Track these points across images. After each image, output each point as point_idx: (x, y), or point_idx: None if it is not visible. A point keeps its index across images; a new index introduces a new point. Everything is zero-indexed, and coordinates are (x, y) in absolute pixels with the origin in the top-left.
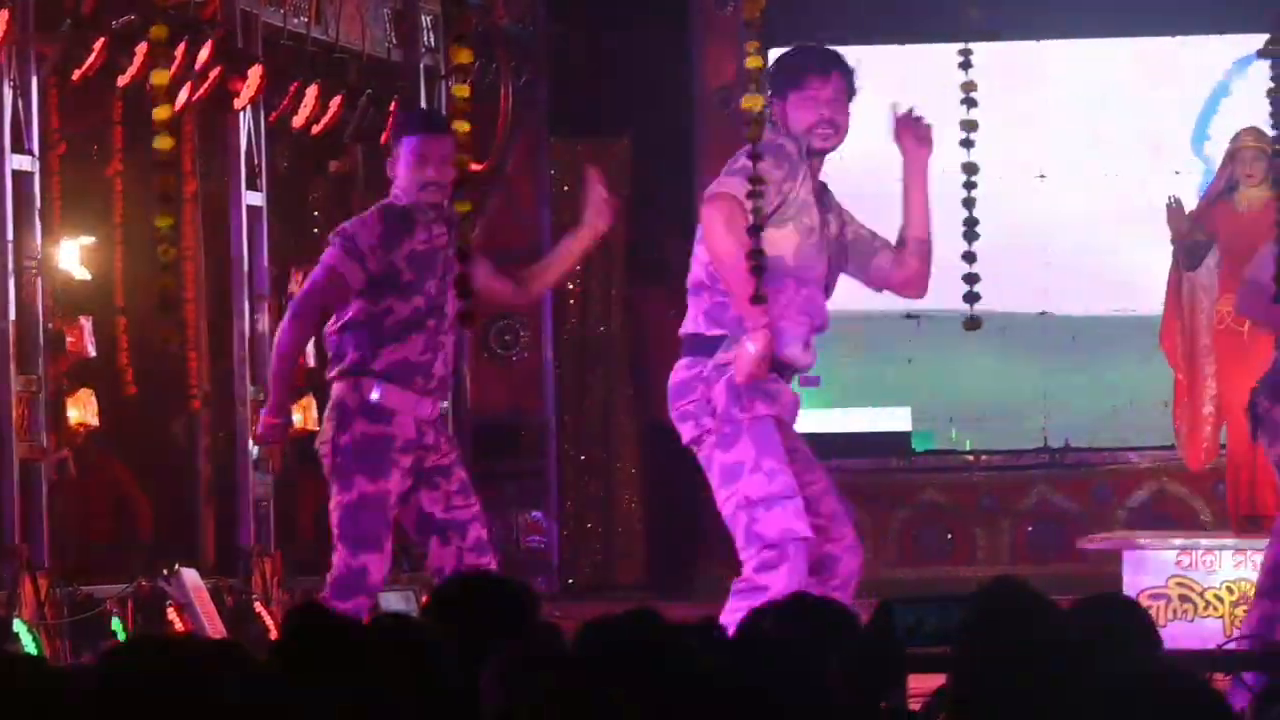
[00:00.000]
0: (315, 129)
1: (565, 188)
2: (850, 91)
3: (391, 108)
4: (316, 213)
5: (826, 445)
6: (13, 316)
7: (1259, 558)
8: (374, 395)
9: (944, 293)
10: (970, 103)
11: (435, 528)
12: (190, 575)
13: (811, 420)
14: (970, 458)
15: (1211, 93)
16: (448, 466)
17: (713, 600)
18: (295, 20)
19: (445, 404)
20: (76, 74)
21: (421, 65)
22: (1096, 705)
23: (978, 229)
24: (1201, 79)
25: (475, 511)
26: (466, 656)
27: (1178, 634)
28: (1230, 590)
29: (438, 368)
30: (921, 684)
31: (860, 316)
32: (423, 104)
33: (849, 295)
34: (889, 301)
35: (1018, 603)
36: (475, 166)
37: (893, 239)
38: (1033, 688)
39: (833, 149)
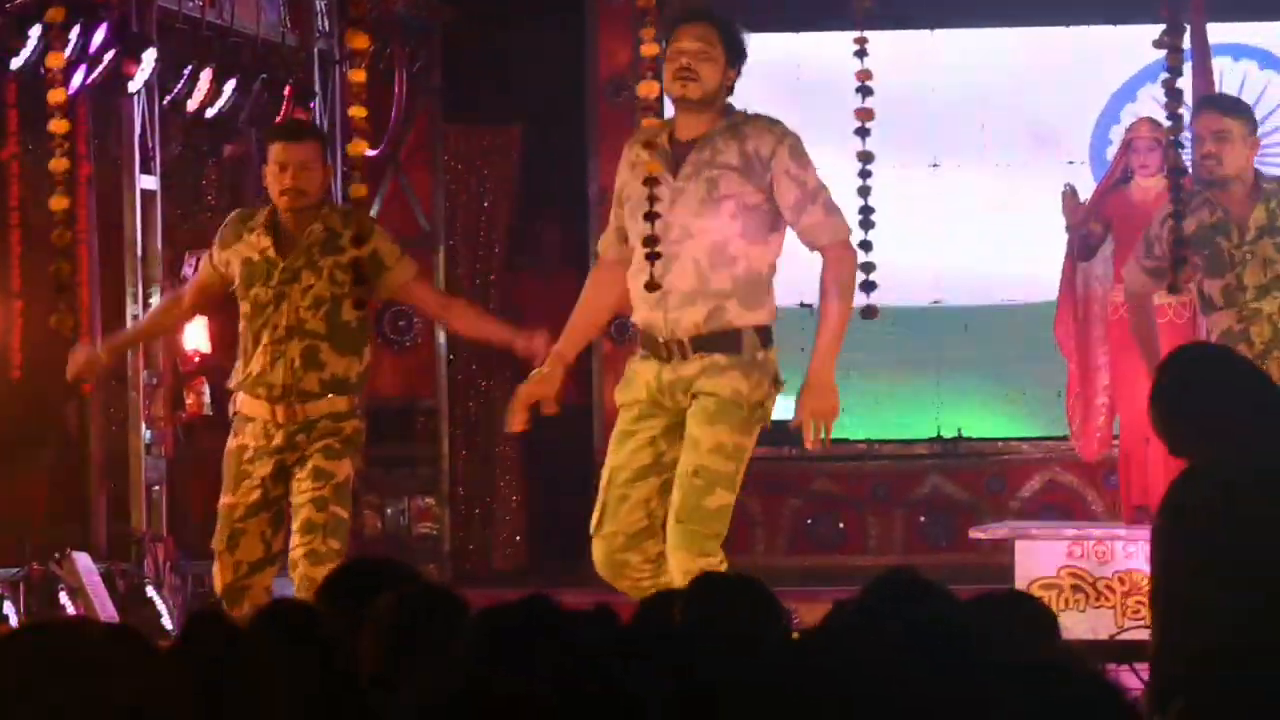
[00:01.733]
0: (209, 113)
1: (459, 172)
2: (718, 38)
3: (286, 92)
4: (210, 197)
5: None
6: None
7: (1150, 547)
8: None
9: None
10: (865, 91)
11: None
12: (82, 559)
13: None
14: (863, 447)
15: (1112, 96)
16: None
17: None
18: (190, 4)
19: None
20: None
21: (316, 50)
22: (990, 694)
23: (873, 218)
24: (1095, 69)
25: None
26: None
27: (1070, 624)
28: (1122, 580)
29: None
30: None
31: None
32: (316, 87)
33: None
34: (784, 292)
35: (912, 592)
36: (369, 152)
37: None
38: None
39: (694, 97)
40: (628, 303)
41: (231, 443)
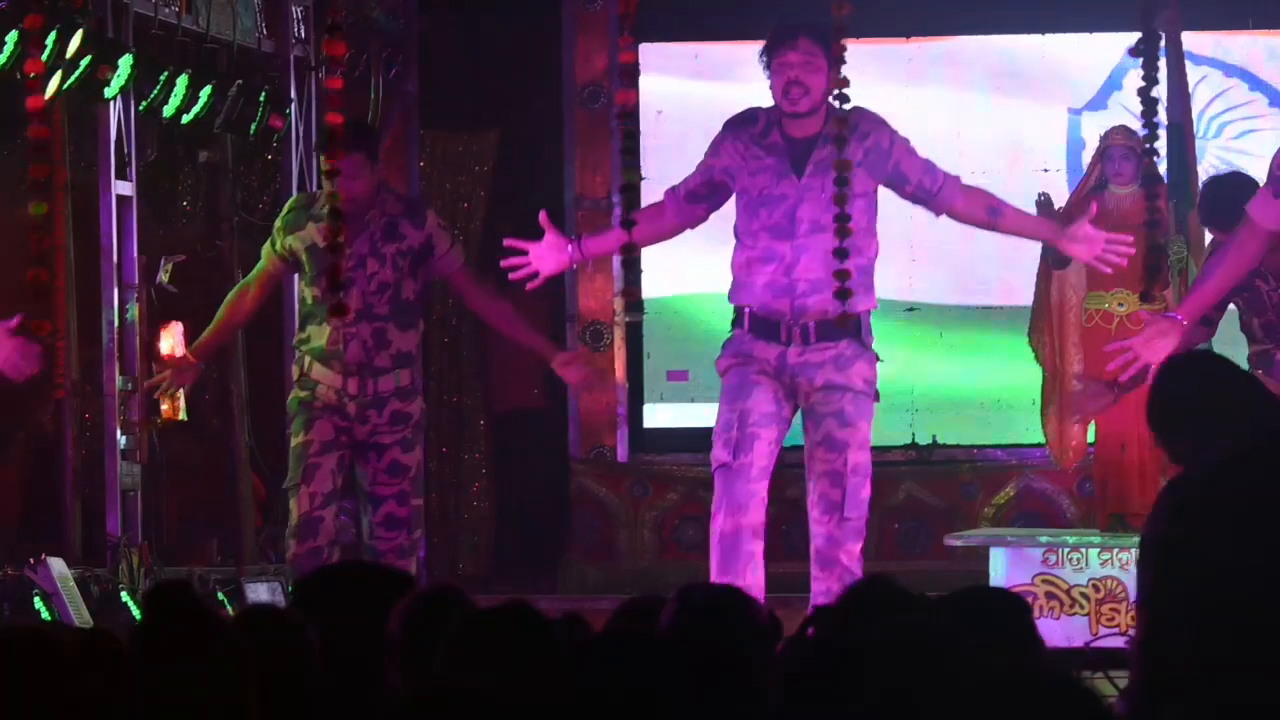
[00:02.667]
0: (185, 119)
1: (434, 178)
2: (824, 53)
3: (262, 98)
4: (186, 203)
5: (693, 439)
6: None
7: (1125, 555)
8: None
9: None
10: (842, 99)
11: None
12: (57, 564)
13: (675, 415)
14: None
15: (1088, 103)
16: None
17: (578, 594)
18: (166, 9)
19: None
20: None
21: (292, 56)
22: (966, 700)
23: (850, 225)
24: (1069, 76)
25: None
26: (334, 645)
27: (1044, 632)
28: (1097, 588)
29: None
30: None
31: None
32: (292, 94)
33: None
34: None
35: (889, 599)
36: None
37: None
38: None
39: (803, 109)
40: (655, 240)
41: (299, 393)
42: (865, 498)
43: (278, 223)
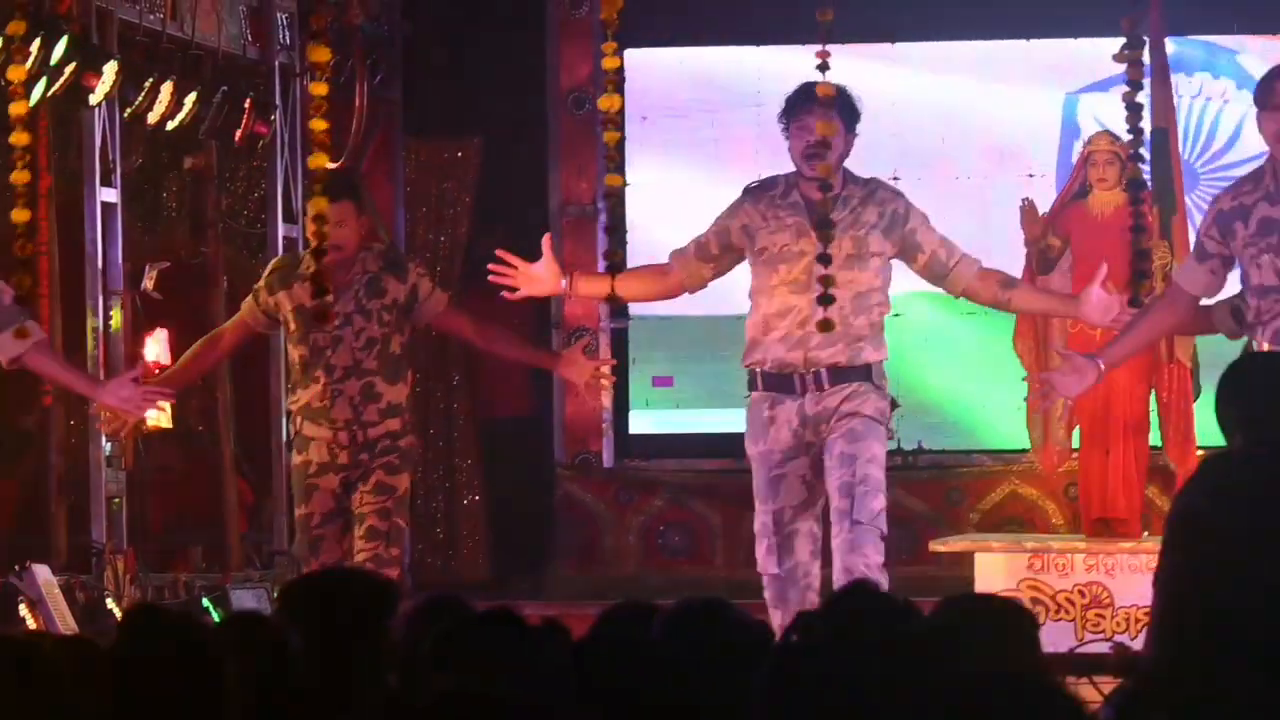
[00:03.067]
0: (170, 125)
1: (419, 185)
2: (837, 114)
3: (247, 105)
4: (170, 210)
5: (678, 446)
6: None
7: (1110, 561)
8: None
9: None
10: (826, 104)
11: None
12: (42, 571)
13: (660, 421)
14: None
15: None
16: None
17: (564, 600)
18: (151, 16)
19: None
20: None
21: (277, 63)
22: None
23: (833, 231)
24: (1055, 82)
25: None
26: (320, 653)
27: None
28: (1082, 594)
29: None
30: None
31: (708, 319)
32: (277, 100)
33: (694, 298)
34: (739, 303)
35: (873, 605)
36: (330, 165)
37: None
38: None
39: (823, 176)
40: (651, 298)
41: (297, 459)
42: (876, 508)
43: (261, 281)
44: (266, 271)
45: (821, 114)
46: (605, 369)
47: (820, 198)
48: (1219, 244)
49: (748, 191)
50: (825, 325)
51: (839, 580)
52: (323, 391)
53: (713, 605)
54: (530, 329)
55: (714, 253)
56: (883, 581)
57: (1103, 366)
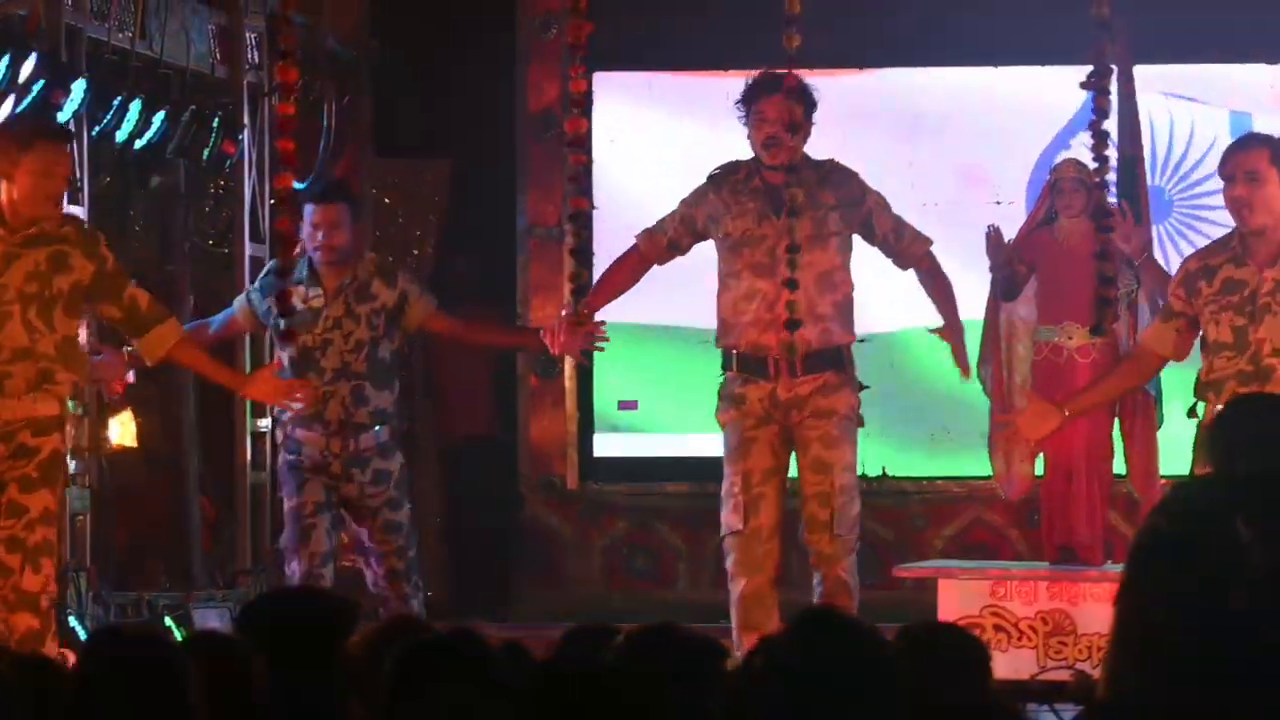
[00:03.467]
0: (138, 144)
1: (387, 205)
2: (793, 104)
3: (215, 124)
4: (138, 227)
5: (643, 469)
6: None
7: (1073, 588)
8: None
9: None
10: (794, 131)
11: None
12: None
13: (627, 444)
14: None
15: (1054, 139)
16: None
17: (527, 622)
18: (119, 35)
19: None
20: None
21: (246, 82)
22: None
23: (799, 257)
24: (1023, 109)
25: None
26: (281, 673)
27: (993, 664)
28: (1044, 620)
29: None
30: None
31: (672, 341)
32: (245, 120)
33: (671, 316)
34: (706, 325)
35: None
36: (298, 185)
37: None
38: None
39: (781, 163)
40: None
41: (284, 458)
42: (854, 515)
43: (256, 283)
44: (263, 273)
45: (780, 102)
46: (600, 331)
47: (780, 181)
48: (1185, 303)
49: (711, 178)
50: (791, 325)
51: (819, 589)
52: (313, 395)
53: (668, 629)
54: (497, 354)
55: (681, 242)
56: (857, 592)
57: (1066, 413)
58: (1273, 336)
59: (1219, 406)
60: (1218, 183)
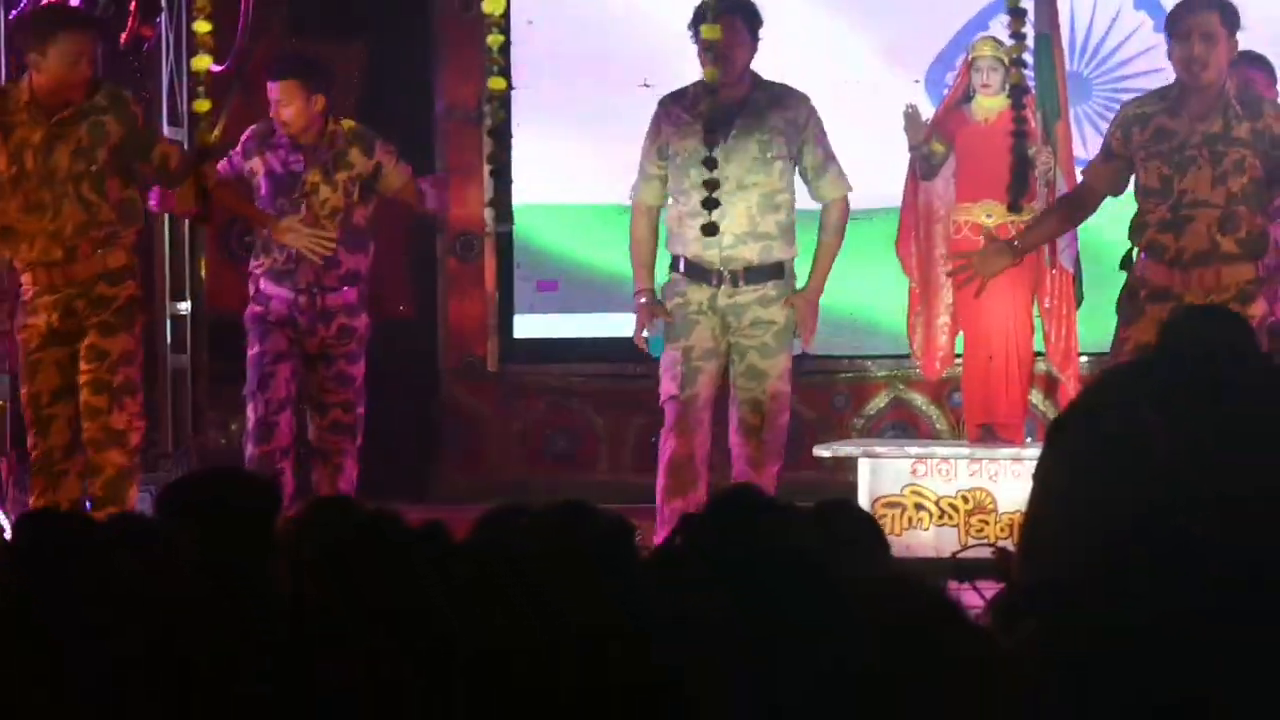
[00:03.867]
0: None
1: None
2: (739, 24)
3: (132, 6)
4: None
5: (563, 350)
6: None
7: (994, 467)
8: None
9: None
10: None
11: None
12: None
13: (547, 325)
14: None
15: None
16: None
17: (447, 503)
18: None
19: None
20: None
21: None
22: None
23: (721, 136)
24: None
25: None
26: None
27: (914, 542)
28: (965, 499)
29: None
30: None
31: (591, 211)
32: (162, 2)
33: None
34: (620, 194)
35: (755, 507)
36: (216, 68)
37: None
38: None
39: (730, 78)
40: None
41: (252, 309)
42: (784, 424)
43: (239, 145)
44: (244, 137)
45: (724, 21)
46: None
47: (726, 102)
48: (1121, 145)
49: (661, 103)
50: (709, 229)
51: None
52: (287, 256)
53: (576, 507)
54: (417, 233)
55: (660, 174)
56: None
57: (1019, 245)
58: (1195, 188)
59: (1142, 256)
60: (1137, 66)
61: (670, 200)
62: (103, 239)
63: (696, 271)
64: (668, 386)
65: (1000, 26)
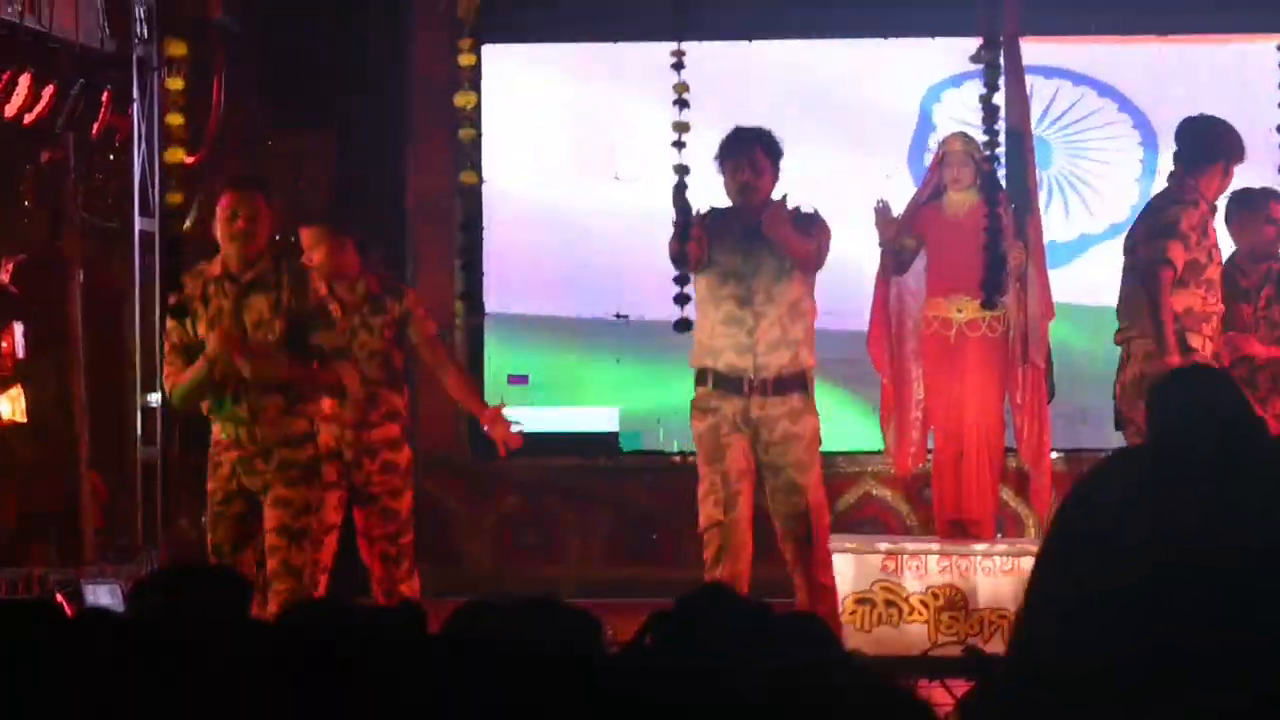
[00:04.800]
0: (28, 118)
1: (276, 176)
2: (761, 156)
3: (104, 98)
4: (27, 202)
5: (534, 444)
6: None
7: (964, 563)
8: None
9: (653, 294)
10: (682, 104)
11: None
12: None
13: (519, 418)
14: (677, 459)
15: (921, 106)
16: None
17: (421, 596)
18: (9, 8)
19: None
20: None
21: (135, 56)
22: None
23: (689, 231)
24: (911, 81)
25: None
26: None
27: (883, 639)
28: (935, 596)
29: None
30: None
31: (570, 318)
32: (135, 94)
33: (559, 299)
34: (599, 303)
35: (725, 606)
36: (188, 159)
37: None
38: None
39: (754, 202)
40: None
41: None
42: (826, 525)
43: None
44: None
45: (748, 155)
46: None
47: (754, 222)
48: None
49: (700, 216)
50: (682, 325)
51: (800, 594)
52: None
53: (546, 603)
54: None
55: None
56: (836, 590)
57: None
58: None
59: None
60: (1095, 121)
61: (699, 315)
62: (285, 401)
63: (727, 383)
64: (711, 512)
65: (967, 110)
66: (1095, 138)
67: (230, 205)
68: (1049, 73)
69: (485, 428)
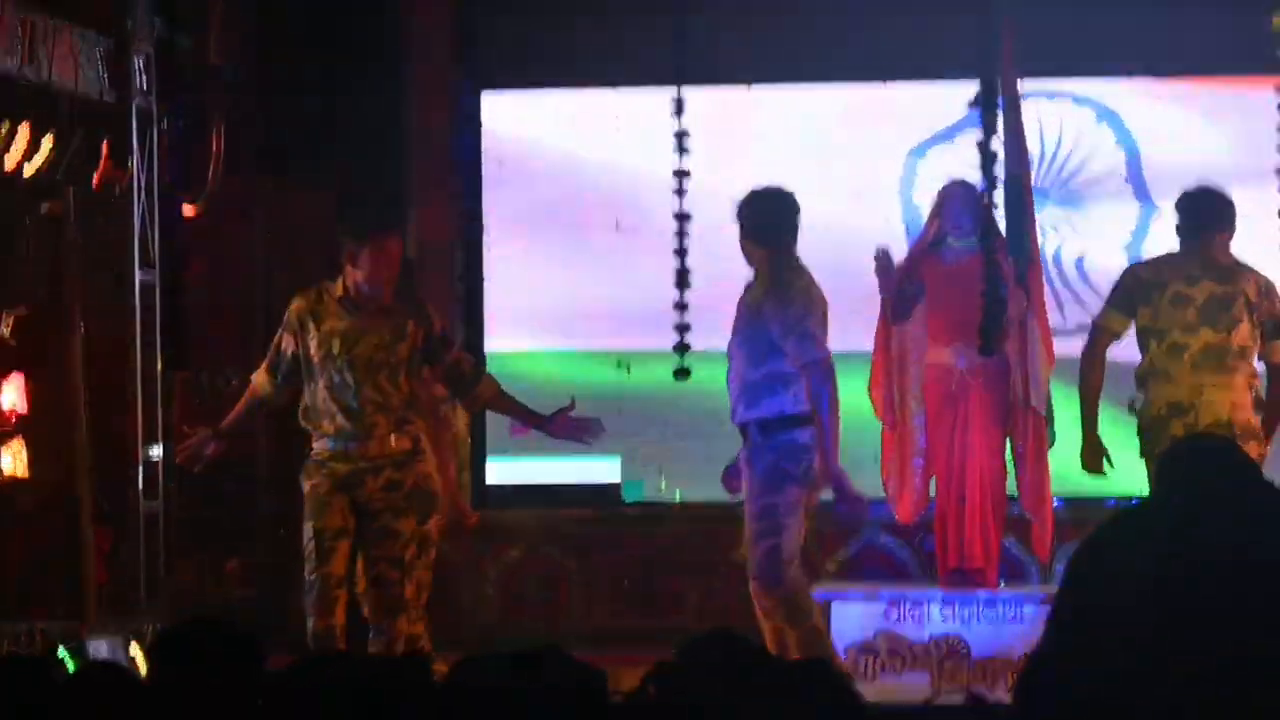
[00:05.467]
0: (27, 170)
1: (276, 228)
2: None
3: (104, 149)
4: (26, 254)
5: (535, 495)
6: None
7: (966, 611)
8: None
9: (656, 339)
10: (682, 150)
11: None
12: None
13: (520, 470)
14: (679, 508)
15: (931, 138)
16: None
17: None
18: (8, 59)
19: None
20: None
21: (134, 107)
22: None
23: (690, 278)
24: (910, 126)
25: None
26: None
27: (887, 687)
28: (938, 645)
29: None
30: None
31: (571, 357)
32: (134, 145)
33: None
34: (601, 346)
35: (730, 655)
36: (187, 210)
37: None
38: None
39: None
40: None
41: (308, 484)
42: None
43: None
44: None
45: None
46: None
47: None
48: None
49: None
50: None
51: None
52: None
53: (550, 654)
54: None
55: None
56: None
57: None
58: None
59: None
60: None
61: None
62: (392, 423)
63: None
64: (807, 579)
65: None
66: (1084, 171)
67: (399, 247)
68: (1050, 95)
69: (550, 432)
